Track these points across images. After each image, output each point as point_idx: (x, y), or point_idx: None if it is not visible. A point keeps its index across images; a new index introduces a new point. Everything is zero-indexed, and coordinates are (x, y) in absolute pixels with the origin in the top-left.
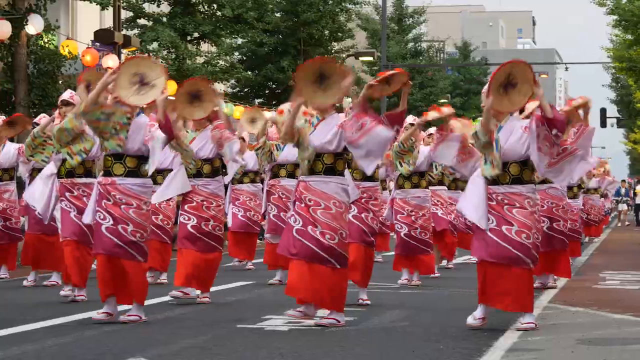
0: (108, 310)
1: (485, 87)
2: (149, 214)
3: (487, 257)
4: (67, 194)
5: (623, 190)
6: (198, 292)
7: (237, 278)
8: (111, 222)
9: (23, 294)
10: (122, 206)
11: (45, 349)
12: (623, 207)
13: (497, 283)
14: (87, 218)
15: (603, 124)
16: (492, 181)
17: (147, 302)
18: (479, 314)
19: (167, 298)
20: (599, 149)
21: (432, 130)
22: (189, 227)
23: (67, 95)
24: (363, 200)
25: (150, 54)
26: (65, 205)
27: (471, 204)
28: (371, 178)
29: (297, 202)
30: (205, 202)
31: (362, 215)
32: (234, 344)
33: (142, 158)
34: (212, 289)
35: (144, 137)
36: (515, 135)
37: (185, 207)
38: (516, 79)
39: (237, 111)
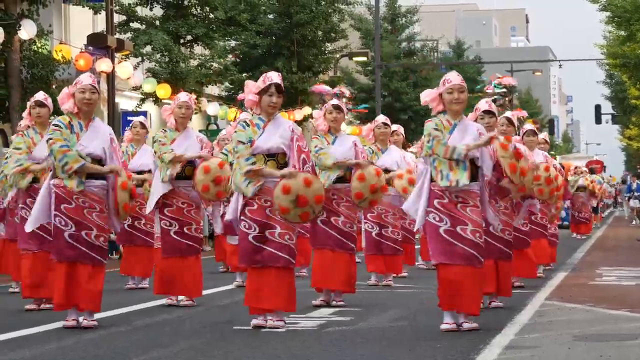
0: (76, 317)
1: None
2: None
3: (445, 260)
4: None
5: (634, 186)
6: (182, 297)
7: (231, 280)
8: (74, 228)
9: (16, 299)
10: (85, 210)
11: (44, 353)
12: (635, 203)
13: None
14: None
15: (598, 121)
16: None
17: (143, 306)
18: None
19: (163, 301)
20: (594, 145)
21: (396, 127)
22: (172, 233)
23: (40, 96)
24: (333, 203)
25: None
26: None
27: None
28: (341, 179)
29: None
30: (186, 206)
31: (332, 219)
32: (230, 346)
33: (102, 162)
34: (207, 292)
35: (103, 142)
36: (471, 135)
37: (165, 211)
38: None
39: (232, 113)
